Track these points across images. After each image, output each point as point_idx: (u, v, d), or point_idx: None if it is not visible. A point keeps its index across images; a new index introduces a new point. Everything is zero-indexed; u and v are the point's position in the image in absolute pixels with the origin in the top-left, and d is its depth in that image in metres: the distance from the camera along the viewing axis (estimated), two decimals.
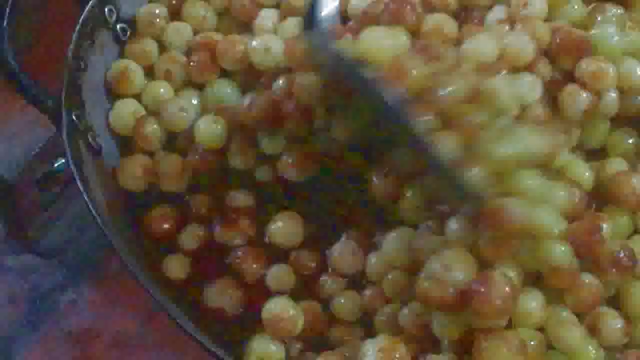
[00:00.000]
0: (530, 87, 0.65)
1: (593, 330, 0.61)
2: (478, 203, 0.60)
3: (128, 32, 0.75)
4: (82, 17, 0.71)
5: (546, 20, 0.69)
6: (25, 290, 0.81)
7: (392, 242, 0.66)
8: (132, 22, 0.75)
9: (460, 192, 0.61)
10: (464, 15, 0.71)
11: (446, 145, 0.60)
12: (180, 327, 0.63)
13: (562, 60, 0.67)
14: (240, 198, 0.71)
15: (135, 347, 0.78)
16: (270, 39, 0.72)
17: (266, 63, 0.72)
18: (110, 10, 0.74)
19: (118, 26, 0.75)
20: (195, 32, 0.76)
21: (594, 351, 0.61)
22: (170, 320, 0.64)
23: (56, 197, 0.81)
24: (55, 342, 0.79)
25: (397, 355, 0.60)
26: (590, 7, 0.70)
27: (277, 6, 0.76)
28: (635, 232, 0.65)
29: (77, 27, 0.71)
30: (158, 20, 0.75)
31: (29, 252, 0.82)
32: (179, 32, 0.75)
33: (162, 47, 0.76)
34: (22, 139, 0.77)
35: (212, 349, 0.63)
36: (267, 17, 0.75)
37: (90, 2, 0.72)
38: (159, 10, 0.75)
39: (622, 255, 0.61)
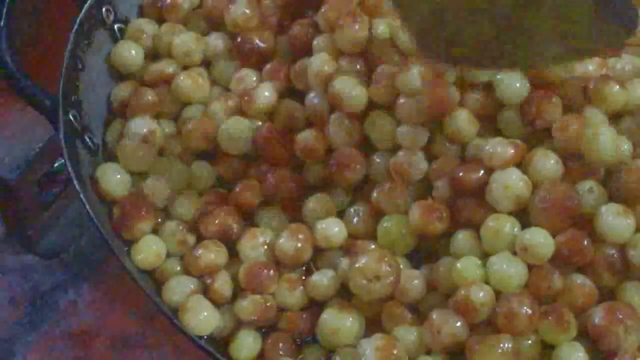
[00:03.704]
0: None
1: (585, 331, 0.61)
2: None
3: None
4: (80, 17, 0.71)
5: None
6: (25, 290, 0.81)
7: None
8: (129, 22, 0.76)
9: None
10: None
11: None
12: (177, 327, 0.63)
13: None
14: None
15: (135, 347, 0.78)
16: None
17: None
18: (107, 10, 0.74)
19: (115, 26, 0.75)
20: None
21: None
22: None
23: (56, 197, 0.81)
24: (55, 342, 0.79)
25: (395, 352, 0.60)
26: None
27: None
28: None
29: (75, 27, 0.71)
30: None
31: (29, 252, 0.82)
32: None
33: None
34: (22, 139, 0.77)
35: (210, 350, 0.63)
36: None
37: (88, 3, 0.72)
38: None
39: (616, 258, 0.61)
